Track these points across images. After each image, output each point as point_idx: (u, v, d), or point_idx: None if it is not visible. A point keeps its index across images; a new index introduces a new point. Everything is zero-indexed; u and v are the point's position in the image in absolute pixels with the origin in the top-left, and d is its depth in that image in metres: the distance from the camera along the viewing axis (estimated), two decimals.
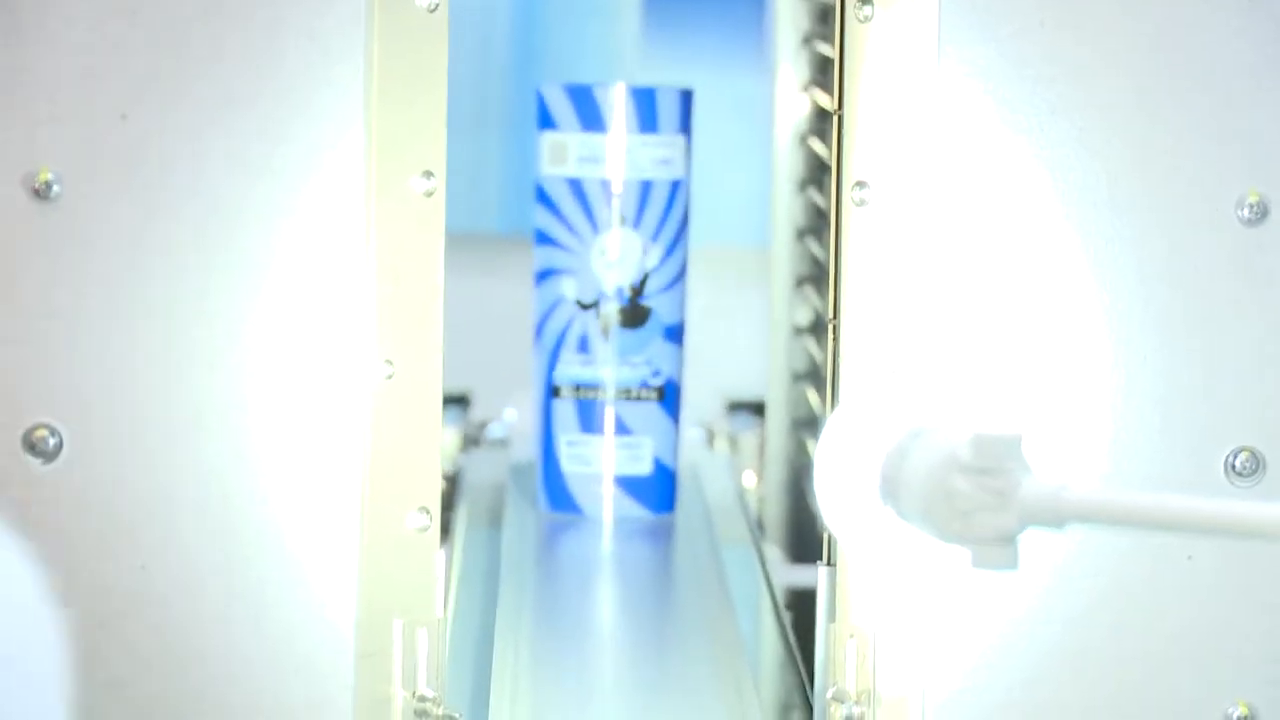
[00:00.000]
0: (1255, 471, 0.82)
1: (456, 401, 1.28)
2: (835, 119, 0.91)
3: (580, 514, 1.13)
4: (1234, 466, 0.81)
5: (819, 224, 1.11)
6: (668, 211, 1.12)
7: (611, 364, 1.14)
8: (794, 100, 1.22)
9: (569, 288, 1.13)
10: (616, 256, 1.14)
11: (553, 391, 1.13)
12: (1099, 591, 0.84)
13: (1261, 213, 0.84)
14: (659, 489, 1.13)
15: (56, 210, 0.80)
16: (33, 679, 0.53)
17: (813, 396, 1.13)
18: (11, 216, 0.79)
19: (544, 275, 1.14)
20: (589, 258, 1.13)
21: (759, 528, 1.21)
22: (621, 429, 1.13)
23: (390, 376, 0.80)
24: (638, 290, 1.13)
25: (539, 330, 1.15)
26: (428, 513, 0.82)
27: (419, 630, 0.83)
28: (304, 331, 0.79)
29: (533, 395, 1.15)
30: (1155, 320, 0.85)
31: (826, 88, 1.05)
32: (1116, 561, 0.84)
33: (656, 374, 1.13)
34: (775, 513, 1.27)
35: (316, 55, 0.81)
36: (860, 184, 0.84)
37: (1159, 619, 0.84)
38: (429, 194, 0.83)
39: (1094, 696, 0.85)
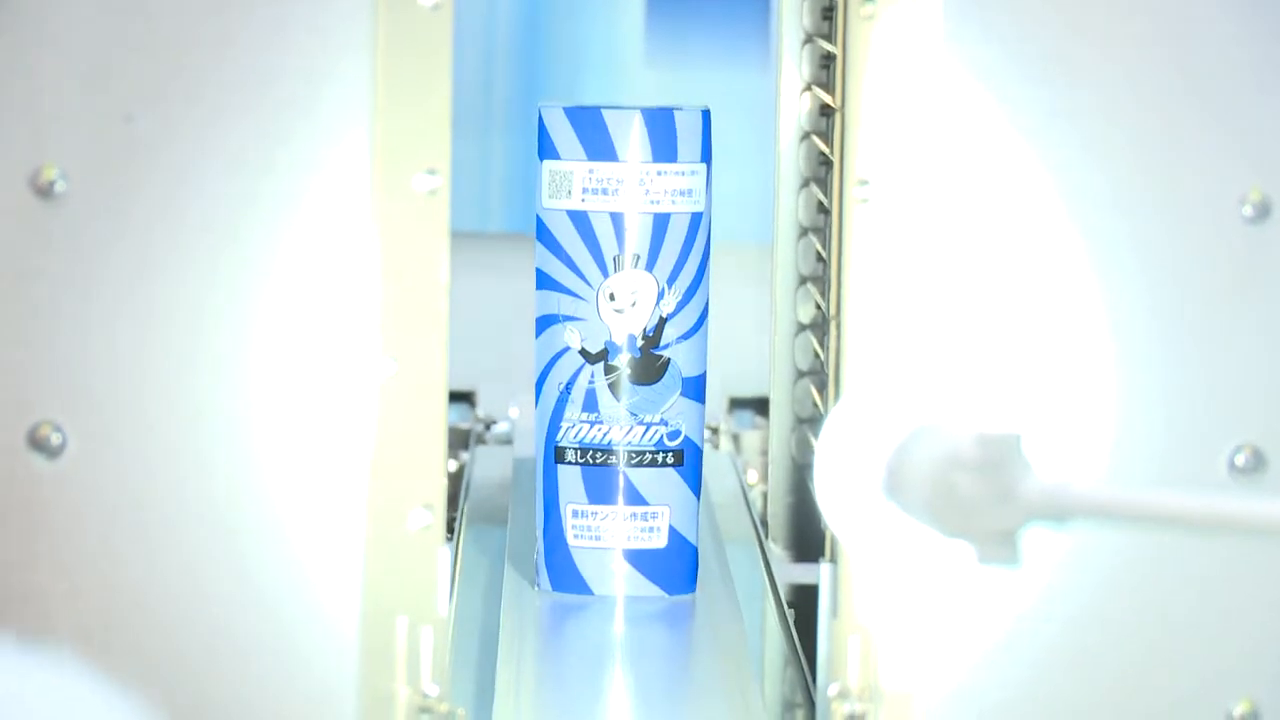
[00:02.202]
0: (1258, 468, 0.80)
1: (462, 399, 1.27)
2: (838, 116, 0.91)
3: (588, 594, 1.05)
4: (1236, 464, 0.80)
5: (821, 221, 1.11)
6: (687, 249, 1.02)
7: (623, 425, 1.05)
8: (796, 98, 1.19)
9: (574, 337, 1.03)
10: (629, 302, 1.03)
11: (556, 455, 1.04)
12: (1102, 589, 0.83)
13: (1264, 211, 0.83)
14: (677, 566, 1.04)
15: (61, 208, 0.80)
16: None
17: (815, 393, 1.12)
18: (16, 214, 0.80)
19: (545, 323, 1.03)
20: (596, 303, 1.03)
21: (761, 525, 1.20)
22: (635, 498, 1.04)
23: (394, 374, 0.79)
24: (652, 340, 1.03)
25: (540, 385, 1.05)
26: (431, 510, 0.82)
27: (422, 627, 0.82)
28: (308, 328, 0.79)
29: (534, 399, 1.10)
30: (1158, 317, 0.84)
31: (829, 86, 1.06)
32: (1119, 559, 0.83)
33: (674, 435, 1.03)
34: (778, 510, 1.23)
35: (320, 53, 0.81)
36: (863, 182, 0.83)
37: (1162, 616, 0.83)
38: (433, 192, 0.82)
39: (1097, 693, 0.83)
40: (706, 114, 1.02)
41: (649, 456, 1.02)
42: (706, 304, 1.02)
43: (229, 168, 0.79)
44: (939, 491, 0.61)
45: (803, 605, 1.05)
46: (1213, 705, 0.81)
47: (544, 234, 0.99)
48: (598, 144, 1.00)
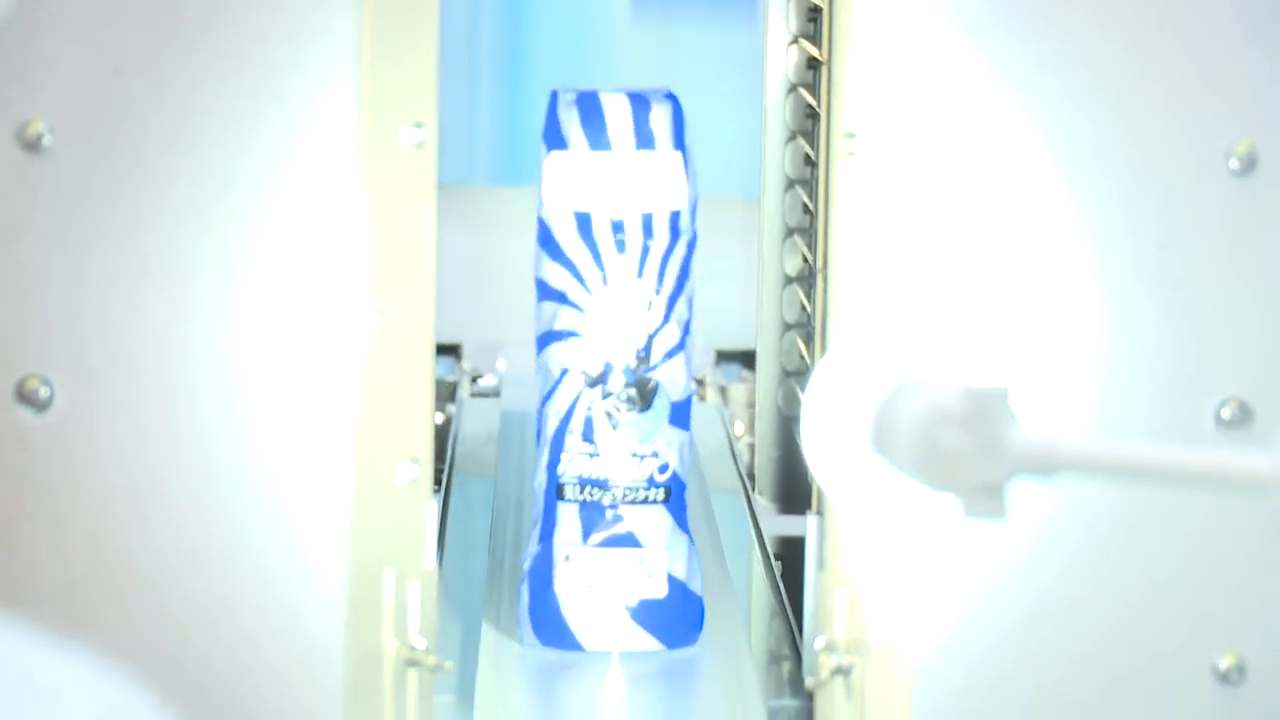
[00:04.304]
0: (1244, 422, 0.81)
1: (448, 351, 1.25)
2: (824, 69, 0.93)
3: (579, 650, 0.97)
4: (1222, 417, 0.80)
5: (808, 174, 1.11)
6: (666, 256, 0.97)
7: (620, 457, 0.99)
8: (784, 51, 1.18)
9: (575, 355, 0.99)
10: (624, 312, 0.99)
11: (558, 492, 0.98)
12: (1089, 542, 0.83)
13: (1251, 163, 0.83)
14: (678, 616, 0.98)
15: (48, 162, 0.79)
16: None
17: (802, 346, 1.11)
18: (3, 167, 0.79)
19: (546, 340, 0.99)
20: (597, 313, 0.99)
21: (748, 477, 1.20)
22: (629, 540, 0.98)
23: (382, 327, 0.79)
24: (644, 360, 0.99)
25: (541, 410, 1.00)
26: (419, 463, 0.81)
27: (410, 581, 0.82)
28: (296, 283, 0.79)
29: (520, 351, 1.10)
30: (1144, 270, 0.84)
31: (816, 38, 1.06)
32: (1106, 512, 0.83)
33: (664, 469, 0.98)
34: (765, 462, 1.23)
35: (309, 10, 0.80)
36: (849, 135, 0.83)
37: (1148, 570, 0.83)
38: (420, 145, 0.82)
39: (1083, 646, 0.84)
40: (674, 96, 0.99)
41: (642, 493, 0.97)
42: (689, 318, 0.98)
43: (218, 123, 0.78)
44: (926, 445, 0.60)
45: (790, 557, 1.06)
46: (1199, 658, 0.81)
47: (548, 240, 0.96)
48: (601, 134, 0.97)
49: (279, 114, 0.79)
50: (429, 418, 0.83)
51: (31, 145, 0.78)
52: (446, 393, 1.23)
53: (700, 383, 1.25)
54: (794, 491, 1.13)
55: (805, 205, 1.10)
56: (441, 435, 1.11)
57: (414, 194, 0.81)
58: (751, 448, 1.22)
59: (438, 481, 1.01)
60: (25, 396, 0.77)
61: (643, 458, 0.95)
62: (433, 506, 0.84)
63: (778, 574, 1.06)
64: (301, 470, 0.81)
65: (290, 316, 0.79)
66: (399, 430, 0.81)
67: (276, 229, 0.78)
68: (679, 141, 0.96)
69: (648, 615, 0.94)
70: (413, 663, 0.83)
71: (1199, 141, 0.84)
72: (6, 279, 0.79)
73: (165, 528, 0.81)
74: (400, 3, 0.81)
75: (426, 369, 0.82)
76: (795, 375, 1.14)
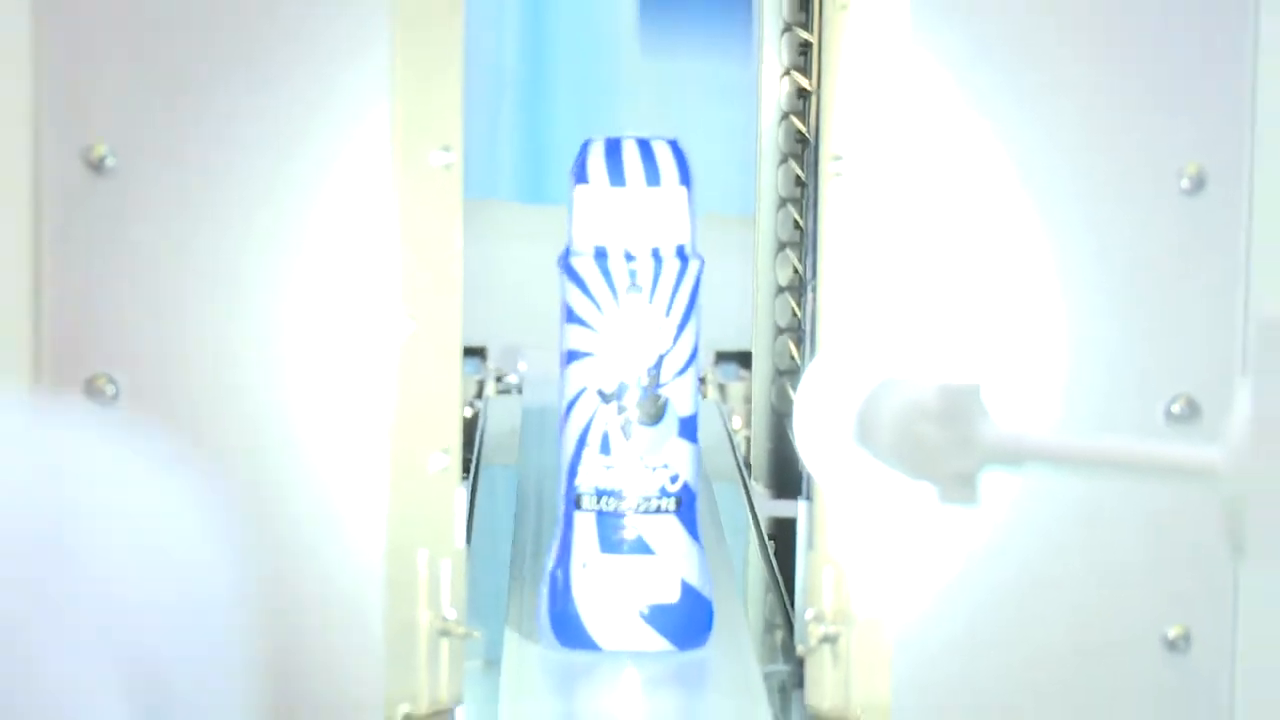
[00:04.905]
0: (1192, 417, 0.84)
1: (475, 353, 1.28)
2: (814, 98, 0.96)
3: (597, 651, 0.98)
4: (1173, 412, 0.84)
5: (799, 193, 1.13)
6: (676, 283, 1.00)
7: (633, 468, 1.00)
8: (777, 82, 1.21)
9: (593, 374, 0.99)
10: (636, 336, 1.00)
11: (575, 502, 0.98)
12: (1054, 528, 0.88)
13: (1200, 184, 0.87)
14: (689, 619, 0.98)
15: (111, 181, 0.83)
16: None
17: (793, 348, 1.14)
18: (71, 187, 0.83)
19: (567, 359, 1.00)
20: (613, 337, 1.00)
21: (745, 466, 1.24)
22: (643, 548, 0.99)
23: (414, 332, 0.83)
24: (655, 378, 1.00)
25: (562, 426, 1.01)
26: (449, 453, 0.85)
27: (442, 559, 0.86)
28: (335, 292, 0.82)
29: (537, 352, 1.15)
30: (1103, 280, 0.88)
31: (806, 70, 1.10)
32: (1069, 500, 0.88)
33: (674, 479, 0.99)
34: (760, 453, 1.25)
35: (345, 40, 0.84)
36: (836, 157, 0.87)
37: (1105, 552, 0.88)
38: (447, 167, 0.85)
39: (1047, 620, 0.88)
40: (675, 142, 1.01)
41: (654, 503, 0.98)
42: (697, 339, 1.00)
43: (263, 145, 0.82)
44: (905, 438, 0.66)
45: (782, 538, 1.10)
46: (1151, 629, 0.87)
47: (569, 268, 0.98)
48: (620, 172, 0.99)
49: (319, 138, 0.83)
50: (458, 413, 0.87)
51: (95, 166, 0.82)
52: (474, 390, 1.25)
53: (701, 381, 1.23)
54: (786, 479, 1.16)
55: (796, 221, 1.12)
56: (469, 428, 1.12)
57: (442, 211, 0.85)
58: (748, 440, 1.24)
59: (466, 469, 1.01)
60: (93, 392, 0.82)
61: (654, 469, 0.96)
62: (462, 492, 0.88)
63: (771, 553, 1.10)
64: (343, 461, 0.86)
65: (331, 322, 0.83)
66: (431, 424, 0.85)
67: (317, 242, 0.82)
68: (684, 179, 0.98)
69: (660, 619, 0.96)
70: (445, 632, 0.87)
71: (1154, 163, 0.88)
72: (76, 287, 0.84)
73: (214, 512, 0.84)
74: (428, 36, 0.85)
75: (455, 369, 0.86)
76: (787, 374, 1.20)
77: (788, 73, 1.21)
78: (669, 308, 0.97)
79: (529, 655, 0.97)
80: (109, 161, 0.83)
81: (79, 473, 0.54)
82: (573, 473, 0.96)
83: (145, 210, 0.86)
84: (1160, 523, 0.87)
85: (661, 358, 0.96)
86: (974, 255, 0.88)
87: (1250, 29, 0.88)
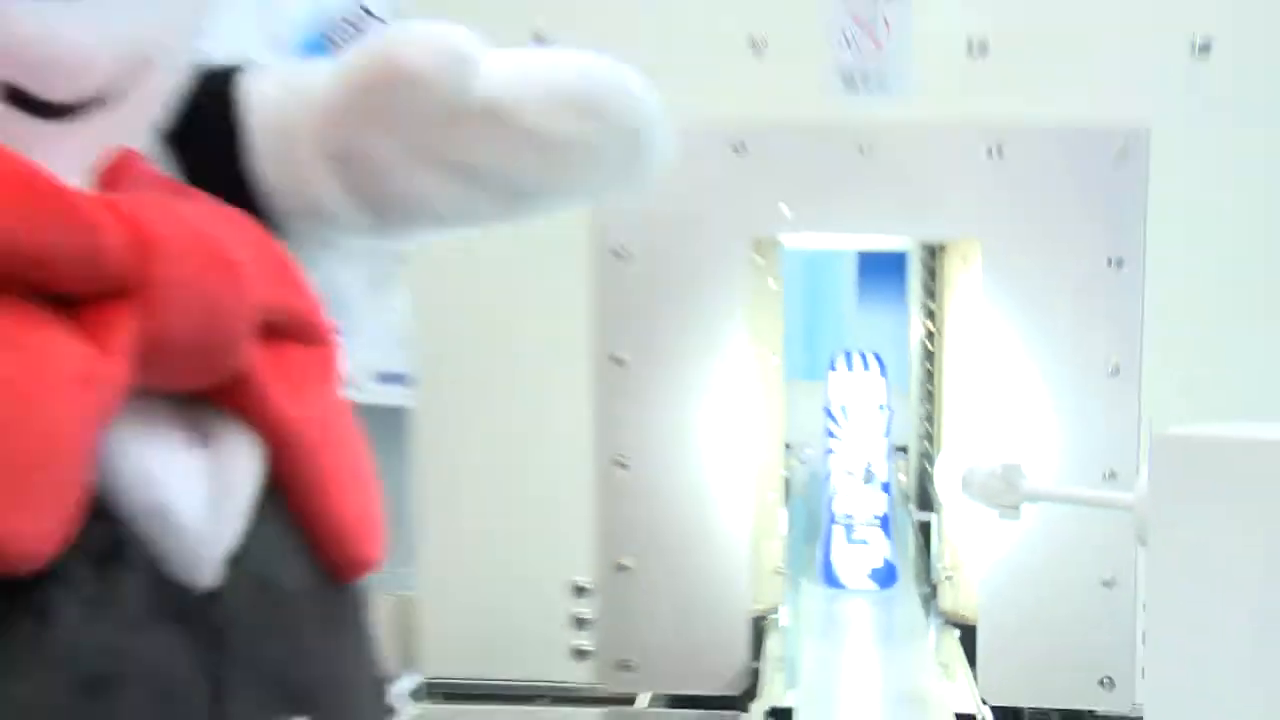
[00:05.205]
0: (1116, 478, 1.08)
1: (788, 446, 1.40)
2: (937, 336, 1.29)
3: (843, 589, 1.30)
4: (1106, 475, 1.09)
5: (930, 384, 1.41)
6: (888, 422, 1.32)
7: (860, 504, 1.32)
8: (918, 324, 1.51)
9: (842, 459, 1.33)
10: (867, 445, 1.32)
11: (832, 518, 1.31)
12: (1050, 528, 1.13)
13: (1120, 263, 1.07)
14: (886, 574, 1.31)
15: (628, 265, 1.09)
16: None
17: (928, 444, 1.42)
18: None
19: (827, 453, 1.33)
20: (851, 444, 1.33)
21: (905, 498, 1.55)
22: (863, 541, 1.31)
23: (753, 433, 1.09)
24: (869, 463, 1.32)
25: (824, 481, 1.34)
26: (775, 492, 1.20)
27: (774, 541, 1.21)
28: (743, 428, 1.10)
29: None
30: (1049, 380, 1.09)
31: (932, 317, 1.37)
32: (1059, 518, 1.11)
33: (880, 510, 1.33)
34: (913, 492, 1.58)
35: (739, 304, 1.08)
36: (950, 368, 1.19)
37: (1068, 531, 1.12)
38: (776, 366, 1.14)
39: (1043, 573, 1.13)
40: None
41: (870, 520, 1.31)
42: (890, 444, 1.30)
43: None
44: (985, 486, 0.92)
45: (924, 531, 1.44)
46: (1092, 574, 1.13)
47: (830, 415, 1.26)
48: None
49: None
50: (783, 474, 1.25)
51: (618, 253, 1.07)
52: (790, 455, 1.47)
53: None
54: (926, 501, 1.45)
55: (929, 391, 1.41)
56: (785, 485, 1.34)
57: (774, 389, 1.16)
58: (909, 484, 1.59)
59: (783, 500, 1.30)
60: (618, 463, 1.08)
61: (870, 505, 1.29)
62: (783, 512, 1.24)
63: (920, 538, 1.44)
64: (746, 497, 1.14)
65: (739, 449, 1.10)
66: (770, 478, 1.21)
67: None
68: (884, 372, 1.33)
69: (873, 574, 1.30)
70: (777, 571, 1.23)
71: (1091, 253, 1.08)
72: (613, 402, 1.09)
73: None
74: (764, 301, 1.09)
75: (779, 457, 1.23)
76: (926, 456, 1.44)
77: (923, 320, 1.47)
78: (885, 432, 1.34)
79: (812, 588, 1.31)
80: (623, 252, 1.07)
81: None
82: (829, 502, 1.33)
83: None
84: (1103, 522, 1.09)
85: (871, 460, 1.33)
86: (1009, 408, 1.11)
87: None
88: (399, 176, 0.70)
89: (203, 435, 0.62)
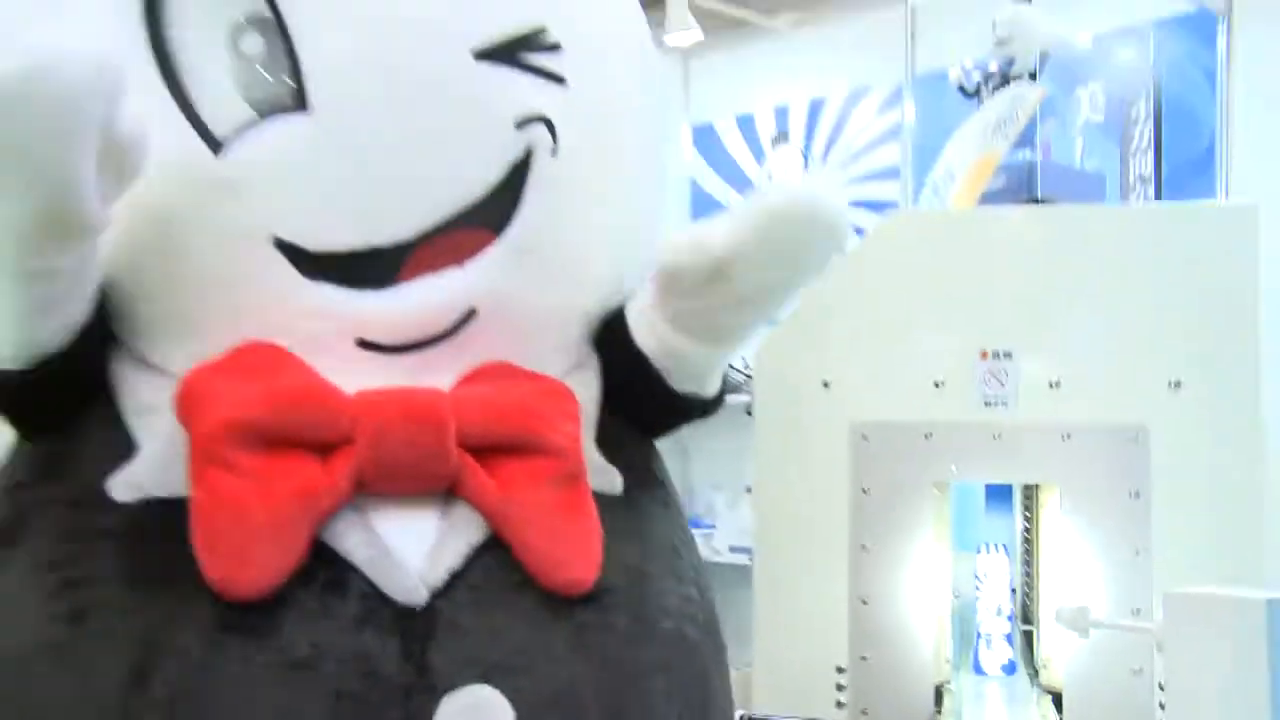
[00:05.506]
0: (1149, 613, 1.42)
1: None
2: (1033, 527, 1.73)
3: (985, 675, 1.69)
4: (1135, 612, 1.46)
5: (1026, 532, 1.79)
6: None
7: (996, 626, 1.73)
8: (1020, 520, 1.83)
9: (992, 587, 1.71)
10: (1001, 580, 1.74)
11: (979, 635, 1.67)
12: (1098, 642, 1.54)
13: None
14: (1010, 667, 1.70)
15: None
16: None
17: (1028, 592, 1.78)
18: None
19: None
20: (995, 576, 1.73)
21: (1023, 619, 1.88)
22: (994, 648, 1.68)
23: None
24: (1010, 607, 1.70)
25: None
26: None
27: None
28: None
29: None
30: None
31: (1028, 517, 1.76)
32: (1107, 635, 1.51)
33: (1010, 610, 1.72)
34: (1018, 613, 1.87)
35: None
36: (1045, 560, 1.58)
37: (1116, 646, 1.51)
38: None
39: (1096, 663, 1.52)
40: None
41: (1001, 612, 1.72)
42: (1014, 580, 1.67)
43: None
44: (1068, 618, 1.47)
45: (1026, 637, 1.88)
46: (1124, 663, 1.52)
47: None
48: None
49: None
50: (950, 605, 1.71)
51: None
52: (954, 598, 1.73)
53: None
54: (1028, 615, 1.85)
55: (1028, 560, 1.76)
56: None
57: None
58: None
59: None
60: None
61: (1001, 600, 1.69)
62: (949, 626, 1.67)
63: (1024, 641, 1.86)
64: (929, 609, 1.59)
65: None
66: (943, 607, 1.70)
67: None
68: (1008, 553, 1.64)
69: (1003, 667, 1.70)
70: (947, 661, 1.70)
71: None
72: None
73: None
74: None
75: (949, 599, 1.71)
76: (1027, 595, 1.79)
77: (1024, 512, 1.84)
78: (1010, 585, 1.70)
79: (968, 674, 1.74)
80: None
81: None
82: (977, 626, 1.71)
83: None
84: (1135, 639, 1.48)
85: (999, 601, 1.69)
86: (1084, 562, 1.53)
87: None
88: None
89: (444, 510, 0.83)
